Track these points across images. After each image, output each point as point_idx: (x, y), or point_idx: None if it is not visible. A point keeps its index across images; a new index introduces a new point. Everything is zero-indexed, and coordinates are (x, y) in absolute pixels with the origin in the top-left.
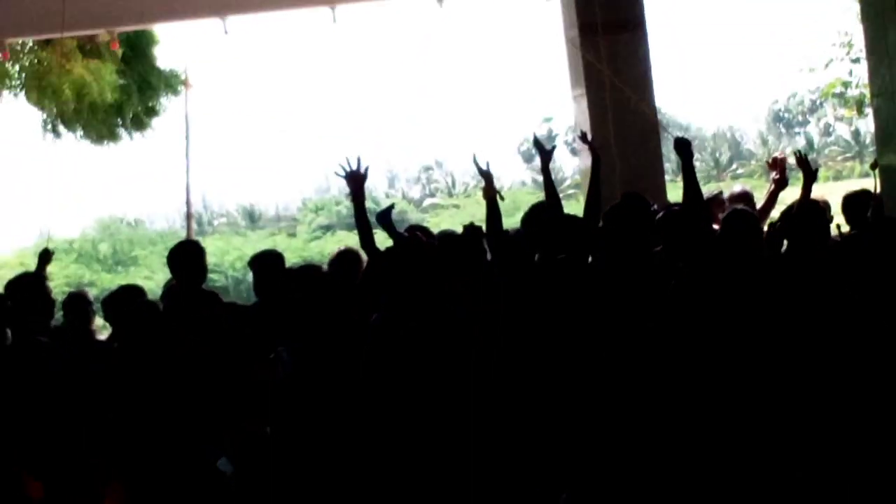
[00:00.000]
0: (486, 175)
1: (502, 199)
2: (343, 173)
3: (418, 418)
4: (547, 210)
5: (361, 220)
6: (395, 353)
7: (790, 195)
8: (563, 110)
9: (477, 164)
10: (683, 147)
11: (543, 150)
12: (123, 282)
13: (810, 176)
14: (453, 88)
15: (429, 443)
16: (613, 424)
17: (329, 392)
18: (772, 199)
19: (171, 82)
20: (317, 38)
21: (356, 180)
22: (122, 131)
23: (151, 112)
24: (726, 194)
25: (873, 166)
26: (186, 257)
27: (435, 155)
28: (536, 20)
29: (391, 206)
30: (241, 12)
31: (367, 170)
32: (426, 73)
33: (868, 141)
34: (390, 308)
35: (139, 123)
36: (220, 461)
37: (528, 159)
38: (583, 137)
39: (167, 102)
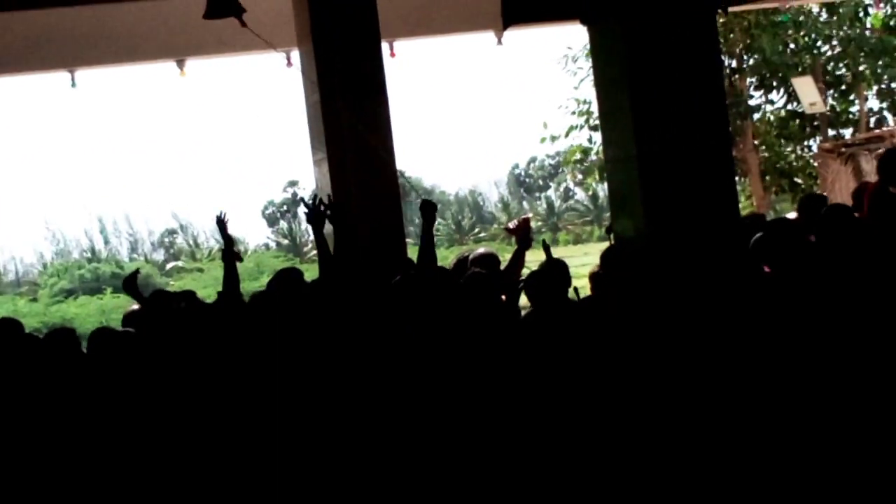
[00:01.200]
0: (227, 238)
1: (241, 260)
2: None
3: None
4: None
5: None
6: None
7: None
8: (306, 175)
9: (220, 225)
10: (429, 209)
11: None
12: None
13: (525, 243)
14: (196, 151)
15: None
16: None
17: None
18: (517, 259)
19: None
20: (56, 100)
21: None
22: None
23: None
24: (472, 257)
25: (608, 231)
26: None
27: (179, 218)
28: (279, 85)
29: (136, 272)
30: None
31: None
32: (169, 135)
33: (604, 205)
34: None
35: None
36: None
37: (271, 223)
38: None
39: None
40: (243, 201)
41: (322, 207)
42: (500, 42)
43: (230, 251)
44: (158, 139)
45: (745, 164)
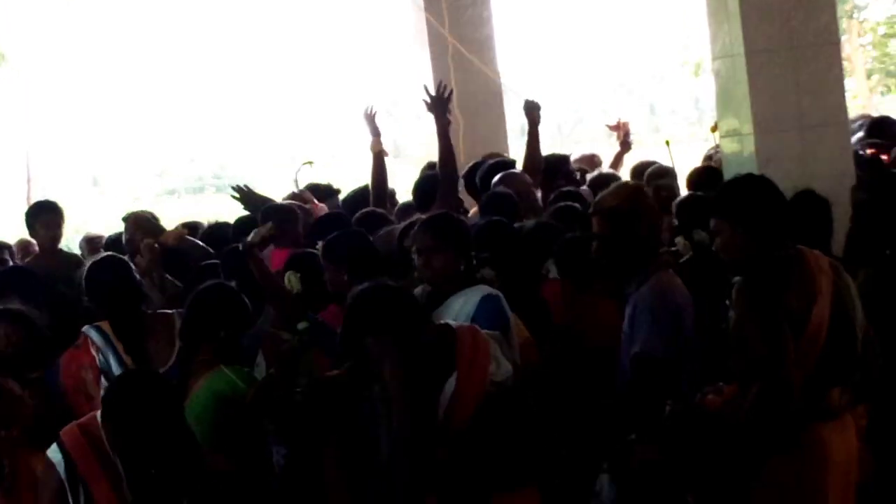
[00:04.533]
0: (375, 129)
1: (387, 154)
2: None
3: None
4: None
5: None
6: None
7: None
8: (404, 77)
9: (368, 119)
10: (533, 109)
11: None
12: None
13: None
14: (292, 58)
15: None
16: None
17: None
18: (617, 161)
19: None
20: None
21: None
22: None
23: None
24: (574, 157)
25: (713, 129)
26: (46, 216)
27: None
28: None
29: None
30: None
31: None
32: (262, 42)
33: (704, 106)
34: None
35: None
36: None
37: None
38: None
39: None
40: (340, 105)
41: (446, 94)
42: None
43: (378, 145)
44: (256, 42)
45: (850, 64)
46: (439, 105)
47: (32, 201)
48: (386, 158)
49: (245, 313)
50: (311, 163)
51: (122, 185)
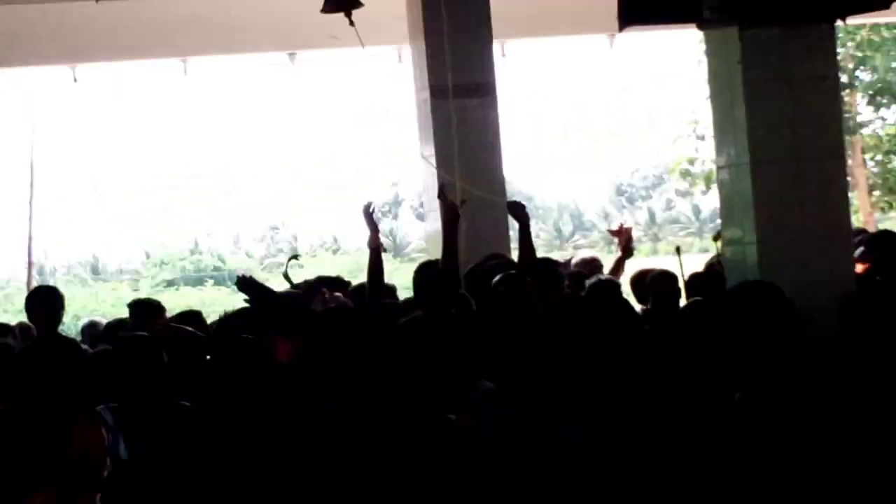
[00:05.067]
0: (373, 225)
1: (385, 250)
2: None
3: None
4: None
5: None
6: None
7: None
8: (409, 177)
9: (366, 215)
10: (518, 209)
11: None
12: None
13: (627, 251)
14: (300, 146)
15: None
16: None
17: None
18: (618, 267)
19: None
20: (169, 88)
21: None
22: None
23: None
24: (574, 261)
25: (715, 238)
26: (45, 301)
27: (281, 215)
28: (389, 81)
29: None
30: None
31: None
32: (277, 128)
33: (706, 217)
34: None
35: None
36: None
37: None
38: (441, 193)
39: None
40: (344, 200)
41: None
42: (611, 46)
43: (375, 240)
44: (264, 131)
45: (852, 179)
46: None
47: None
48: (384, 254)
49: None
50: (296, 257)
51: (120, 272)
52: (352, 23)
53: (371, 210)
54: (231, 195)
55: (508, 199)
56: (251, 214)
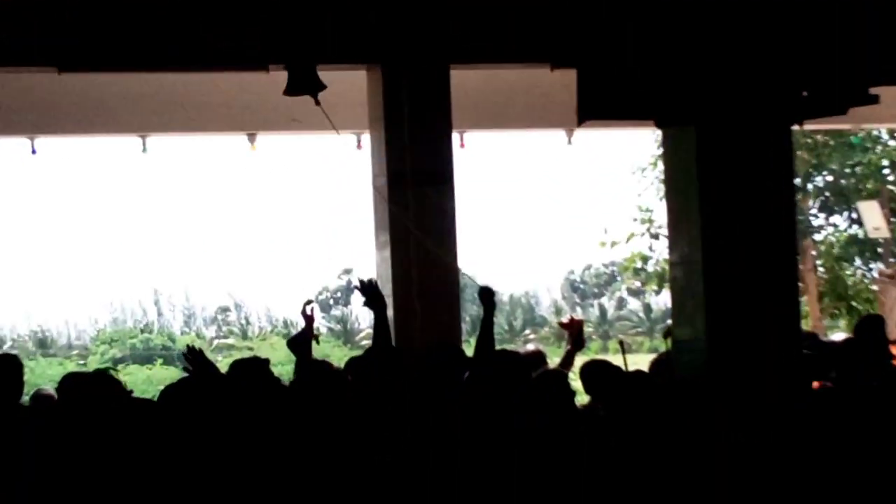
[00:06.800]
0: (309, 319)
1: (318, 343)
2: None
3: None
4: None
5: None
6: None
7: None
8: (363, 262)
9: (304, 309)
10: (488, 296)
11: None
12: None
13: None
14: (255, 228)
15: None
16: None
17: None
18: (568, 361)
19: None
20: (127, 165)
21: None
22: None
23: None
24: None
25: (666, 334)
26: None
27: (233, 296)
28: (346, 166)
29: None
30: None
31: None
32: (232, 209)
33: (657, 316)
34: None
35: None
36: None
37: (325, 309)
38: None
39: None
40: (297, 285)
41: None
42: (569, 142)
43: (306, 341)
44: (221, 212)
45: (802, 284)
46: (372, 296)
47: None
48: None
49: None
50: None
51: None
52: (318, 102)
53: (309, 313)
54: (183, 274)
55: (481, 285)
56: (203, 295)
